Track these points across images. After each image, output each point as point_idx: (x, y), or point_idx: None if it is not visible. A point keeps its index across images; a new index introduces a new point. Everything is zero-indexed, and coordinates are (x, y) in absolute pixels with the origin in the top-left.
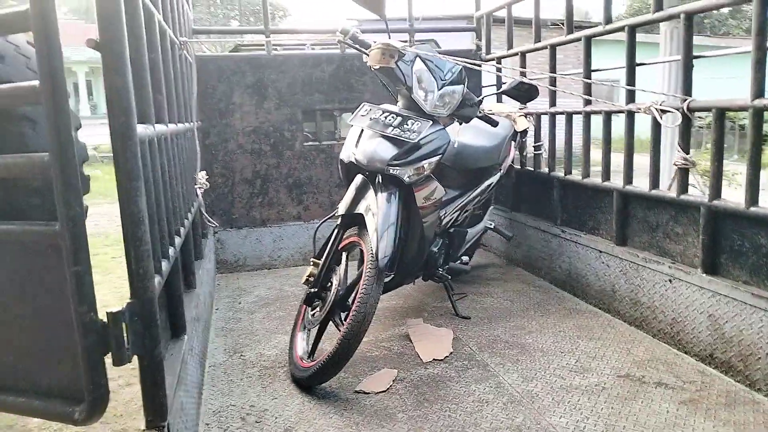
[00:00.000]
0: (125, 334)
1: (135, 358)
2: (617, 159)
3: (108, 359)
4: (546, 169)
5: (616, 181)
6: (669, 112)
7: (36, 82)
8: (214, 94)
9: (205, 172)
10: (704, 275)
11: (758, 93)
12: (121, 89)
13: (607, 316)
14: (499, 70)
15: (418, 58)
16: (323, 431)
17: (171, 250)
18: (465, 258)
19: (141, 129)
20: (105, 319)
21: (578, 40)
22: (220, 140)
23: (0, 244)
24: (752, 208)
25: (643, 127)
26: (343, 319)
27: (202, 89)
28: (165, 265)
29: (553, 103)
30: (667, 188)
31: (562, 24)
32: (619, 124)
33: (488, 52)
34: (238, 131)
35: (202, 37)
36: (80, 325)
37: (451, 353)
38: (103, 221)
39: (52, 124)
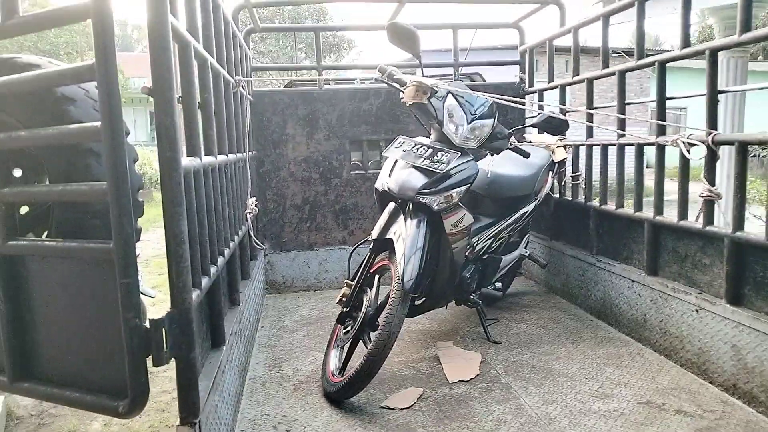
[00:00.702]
0: (164, 339)
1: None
2: (669, 187)
3: (149, 361)
4: (583, 199)
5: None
6: (695, 145)
7: (98, 123)
8: (269, 126)
9: (255, 198)
10: (728, 306)
11: None
12: (168, 127)
13: (638, 345)
14: (537, 105)
15: (450, 94)
16: None
17: (213, 269)
18: (498, 284)
19: (187, 161)
20: (148, 325)
21: (612, 74)
22: (274, 168)
23: (63, 260)
24: None
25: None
26: (371, 337)
27: (257, 122)
28: (205, 281)
29: (589, 135)
30: (695, 219)
31: (623, 53)
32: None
33: (531, 84)
34: (290, 160)
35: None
36: (127, 330)
37: (478, 375)
38: (158, 246)
39: (110, 157)
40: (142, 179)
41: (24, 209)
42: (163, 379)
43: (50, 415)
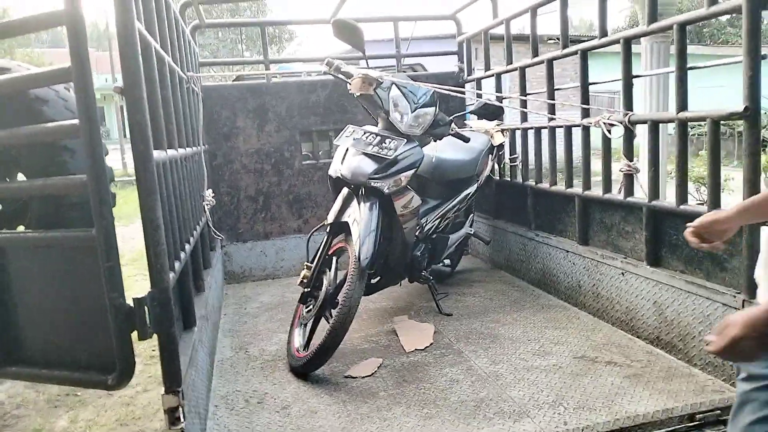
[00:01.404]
0: (147, 316)
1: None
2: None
3: (134, 336)
4: (520, 179)
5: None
6: (614, 125)
7: (77, 121)
8: (220, 120)
9: (211, 190)
10: (649, 267)
11: (681, 107)
12: (141, 123)
13: (574, 309)
14: (475, 93)
15: (394, 85)
16: (315, 407)
17: (182, 255)
18: (447, 261)
19: (156, 154)
20: (131, 304)
21: (542, 62)
22: (226, 161)
23: (48, 248)
24: (681, 206)
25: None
26: (332, 314)
27: (208, 116)
28: (177, 265)
29: (524, 119)
30: (617, 192)
31: (557, 39)
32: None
33: (469, 73)
34: (242, 153)
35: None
36: (112, 308)
37: (432, 344)
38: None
39: (89, 152)
40: (112, 172)
41: None
42: None
43: (13, 416)
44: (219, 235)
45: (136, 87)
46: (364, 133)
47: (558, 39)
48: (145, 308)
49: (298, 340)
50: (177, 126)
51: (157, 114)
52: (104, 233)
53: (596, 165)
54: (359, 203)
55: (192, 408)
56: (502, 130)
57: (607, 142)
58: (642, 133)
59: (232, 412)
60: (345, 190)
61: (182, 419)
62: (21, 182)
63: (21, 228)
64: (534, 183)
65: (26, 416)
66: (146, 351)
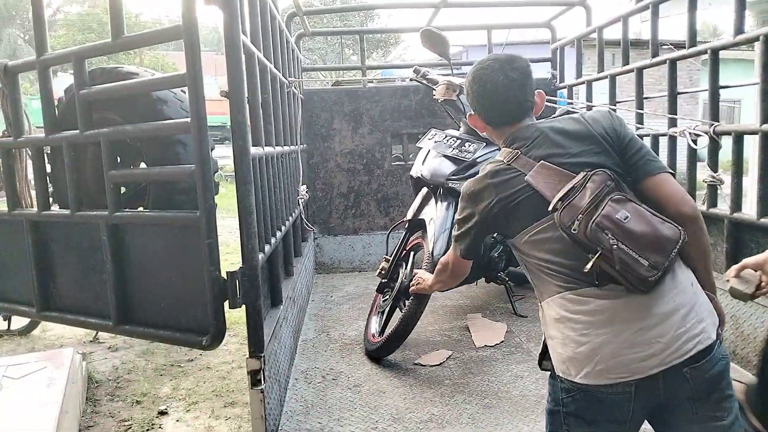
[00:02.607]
0: (237, 289)
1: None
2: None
3: (225, 305)
4: None
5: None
6: (700, 135)
7: (188, 119)
8: (318, 122)
9: (306, 186)
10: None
11: (765, 119)
12: (240, 123)
13: None
14: (558, 101)
15: None
16: (384, 388)
17: (272, 240)
18: None
19: (253, 150)
20: (225, 277)
21: (632, 71)
22: (322, 160)
23: (161, 226)
24: (762, 219)
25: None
26: (405, 304)
27: (308, 118)
28: (267, 248)
29: None
30: (701, 203)
31: (673, 45)
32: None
33: (561, 80)
34: (337, 152)
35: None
36: (209, 280)
37: (502, 342)
38: (224, 232)
39: (197, 146)
40: (217, 164)
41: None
42: (223, 351)
43: (125, 380)
44: (311, 227)
45: (239, 91)
46: (446, 137)
47: (671, 45)
48: (236, 282)
49: (374, 326)
50: (275, 126)
51: (256, 114)
52: (206, 215)
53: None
54: (437, 202)
55: (273, 375)
56: None
57: (693, 152)
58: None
59: (309, 385)
60: (424, 190)
61: (263, 381)
62: (143, 169)
63: (140, 209)
64: None
65: (136, 381)
66: (243, 331)
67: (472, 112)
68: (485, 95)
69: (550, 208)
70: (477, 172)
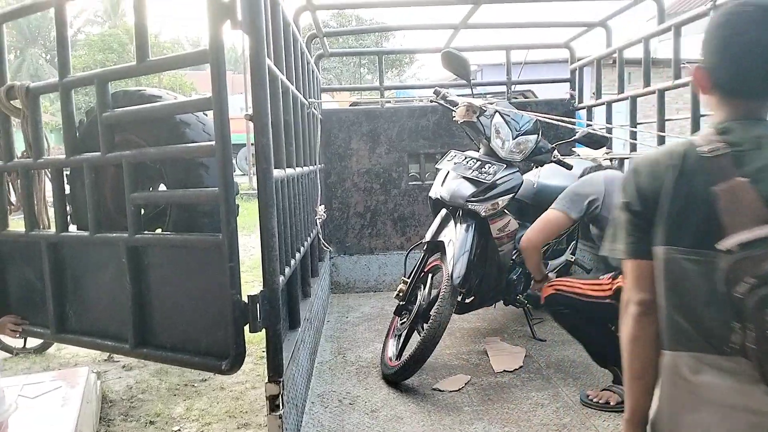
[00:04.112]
0: (258, 312)
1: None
2: None
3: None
4: None
5: None
6: None
7: (213, 143)
8: (336, 141)
9: (323, 206)
10: None
11: None
12: (264, 146)
13: None
14: (576, 123)
15: (497, 113)
16: (401, 413)
17: (292, 261)
18: None
19: (276, 173)
20: (246, 301)
21: (653, 92)
22: (339, 179)
23: (182, 248)
24: None
25: None
26: (424, 327)
27: (326, 137)
28: (287, 270)
29: (633, 149)
30: None
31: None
32: None
33: (580, 101)
34: (354, 172)
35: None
36: (230, 303)
37: (521, 367)
38: (241, 251)
39: (221, 169)
40: (238, 186)
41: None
42: (238, 373)
43: (139, 400)
44: (328, 248)
45: (263, 114)
46: (465, 158)
47: (687, 65)
48: (257, 305)
49: (391, 349)
50: (296, 147)
51: (279, 137)
52: (229, 238)
53: None
54: (456, 224)
55: (291, 399)
56: (611, 159)
57: None
58: None
59: (326, 409)
60: (443, 211)
61: (281, 407)
62: (165, 191)
63: (158, 231)
64: None
65: (149, 401)
66: (257, 351)
67: (701, 65)
68: (732, 49)
69: (721, 246)
70: (497, 194)
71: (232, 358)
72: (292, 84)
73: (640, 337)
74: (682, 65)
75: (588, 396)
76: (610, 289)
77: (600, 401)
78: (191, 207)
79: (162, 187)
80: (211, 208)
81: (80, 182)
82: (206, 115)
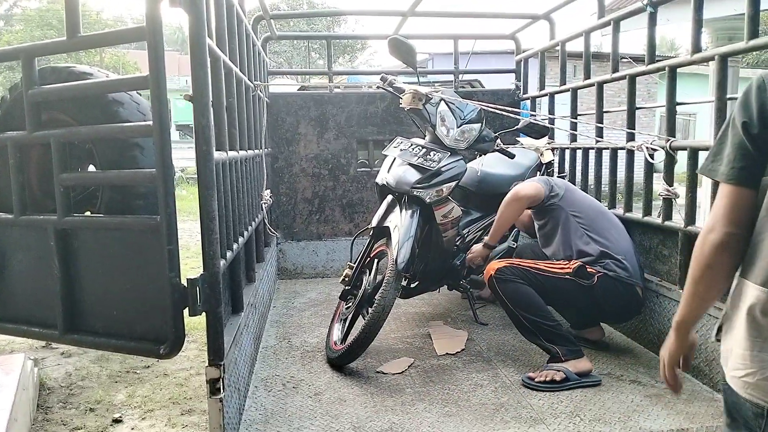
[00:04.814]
0: (198, 296)
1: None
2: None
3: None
4: None
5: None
6: (657, 150)
7: (150, 122)
8: (284, 126)
9: (269, 191)
10: (681, 291)
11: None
12: (204, 127)
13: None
14: (521, 113)
15: (442, 101)
16: (345, 396)
17: (234, 245)
18: None
19: (217, 155)
20: (185, 284)
21: (592, 85)
22: (286, 165)
23: (119, 231)
24: None
25: None
26: (368, 311)
27: (273, 121)
28: (229, 254)
29: (573, 139)
30: (657, 215)
31: (632, 59)
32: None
33: (525, 91)
34: (302, 157)
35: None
36: (169, 286)
37: (463, 350)
38: (185, 236)
39: (159, 150)
40: (175, 169)
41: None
42: (182, 358)
43: (78, 387)
44: (274, 233)
45: (203, 95)
46: (411, 145)
47: (630, 59)
48: (197, 288)
49: (336, 333)
50: (240, 129)
51: (220, 118)
52: (167, 220)
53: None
54: (401, 210)
55: (232, 383)
56: (552, 149)
57: (649, 165)
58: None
59: (269, 393)
60: (389, 197)
61: (222, 390)
62: (98, 172)
63: (87, 213)
64: None
65: (90, 388)
66: (202, 338)
67: None
68: None
69: None
70: (441, 181)
71: (170, 342)
72: (236, 65)
73: (714, 267)
74: (623, 59)
75: (531, 378)
76: (570, 267)
77: (546, 380)
78: (125, 189)
79: (91, 168)
80: (146, 190)
81: (2, 161)
82: (140, 94)
